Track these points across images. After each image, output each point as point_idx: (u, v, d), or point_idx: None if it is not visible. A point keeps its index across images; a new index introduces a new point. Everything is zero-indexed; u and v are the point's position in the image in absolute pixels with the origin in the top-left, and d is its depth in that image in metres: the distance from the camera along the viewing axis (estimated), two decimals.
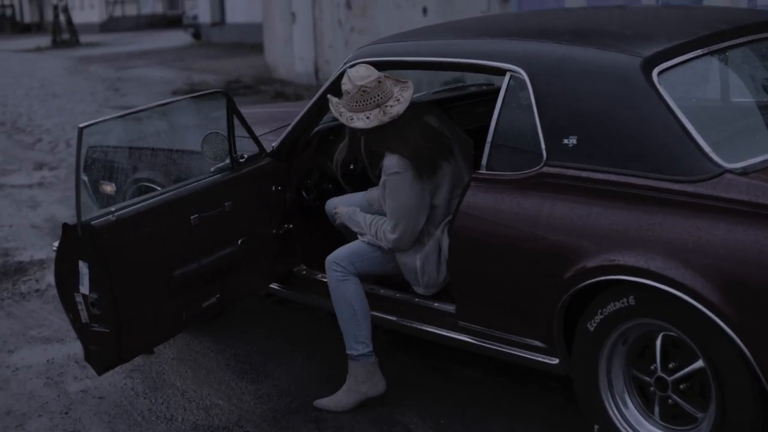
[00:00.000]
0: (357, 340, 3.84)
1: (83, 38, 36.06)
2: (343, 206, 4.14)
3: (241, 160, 4.09)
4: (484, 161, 3.49)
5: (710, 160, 2.96)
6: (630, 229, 3.03)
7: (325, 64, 15.27)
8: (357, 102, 3.70)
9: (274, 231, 4.23)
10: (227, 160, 4.05)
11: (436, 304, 3.78)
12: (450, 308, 3.69)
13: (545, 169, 3.27)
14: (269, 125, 4.70)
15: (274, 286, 4.40)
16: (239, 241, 4.01)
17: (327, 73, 15.13)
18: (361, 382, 3.87)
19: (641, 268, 2.96)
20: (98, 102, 15.42)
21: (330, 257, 3.92)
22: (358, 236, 3.98)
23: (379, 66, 3.88)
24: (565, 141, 3.22)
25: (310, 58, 15.71)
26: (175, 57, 24.62)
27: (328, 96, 3.88)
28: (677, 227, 2.94)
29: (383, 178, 3.77)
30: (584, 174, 3.17)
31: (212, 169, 4.03)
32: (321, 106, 4.11)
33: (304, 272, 4.38)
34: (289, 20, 16.36)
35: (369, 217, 3.93)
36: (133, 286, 3.58)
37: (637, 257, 2.98)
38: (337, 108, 3.79)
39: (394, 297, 3.95)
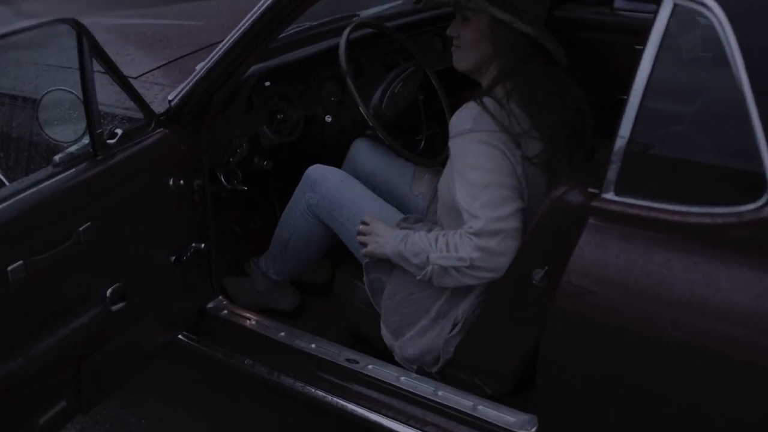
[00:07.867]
0: (274, 267, 2.73)
1: None
2: (381, 224, 2.36)
3: (110, 141, 2.22)
4: (611, 175, 1.76)
5: None
6: None
7: None
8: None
9: (173, 258, 2.44)
10: (84, 141, 2.17)
11: (500, 413, 2.13)
12: (524, 417, 2.10)
13: None
14: (151, 54, 2.74)
15: (180, 337, 2.65)
16: (108, 292, 2.20)
17: None
18: (261, 292, 2.77)
19: None
20: None
21: (321, 171, 2.60)
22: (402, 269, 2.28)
23: None
24: None
25: None
26: None
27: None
28: None
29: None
30: None
31: (56, 158, 2.12)
32: (260, 34, 2.26)
33: (225, 312, 2.62)
34: None
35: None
36: None
37: None
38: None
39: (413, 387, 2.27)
